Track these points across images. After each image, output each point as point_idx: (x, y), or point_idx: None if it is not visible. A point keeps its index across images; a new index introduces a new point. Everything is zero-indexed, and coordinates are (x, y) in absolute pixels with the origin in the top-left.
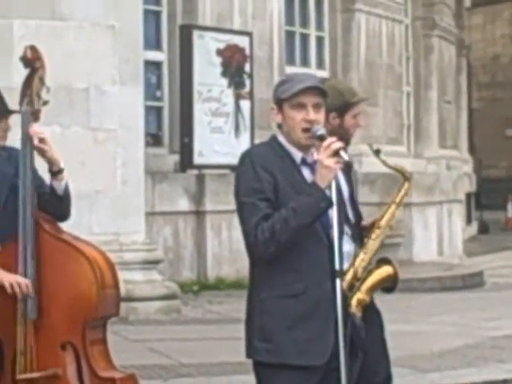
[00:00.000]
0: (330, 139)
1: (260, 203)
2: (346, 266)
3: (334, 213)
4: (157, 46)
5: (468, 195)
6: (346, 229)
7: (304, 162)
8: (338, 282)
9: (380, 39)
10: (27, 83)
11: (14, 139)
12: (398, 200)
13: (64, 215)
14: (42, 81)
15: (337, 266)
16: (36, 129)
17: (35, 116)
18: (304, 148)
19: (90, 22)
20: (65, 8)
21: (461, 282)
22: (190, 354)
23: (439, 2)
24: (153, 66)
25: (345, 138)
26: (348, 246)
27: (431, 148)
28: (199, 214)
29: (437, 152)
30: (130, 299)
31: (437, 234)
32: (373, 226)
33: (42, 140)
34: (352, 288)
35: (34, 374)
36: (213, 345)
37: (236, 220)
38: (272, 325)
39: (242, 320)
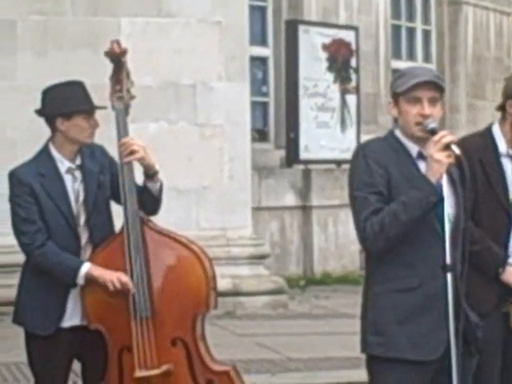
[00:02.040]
0: (441, 133)
1: (371, 197)
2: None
3: (445, 206)
4: (262, 41)
5: None
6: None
7: (420, 155)
8: (448, 276)
9: (488, 32)
10: (115, 78)
11: (110, 135)
12: None
13: (154, 213)
14: (128, 75)
15: (447, 260)
16: (126, 140)
17: (126, 111)
18: (420, 141)
19: (196, 18)
20: (172, 5)
21: None
22: (297, 348)
23: None
24: (258, 62)
25: None
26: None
27: None
28: (305, 209)
29: None
30: (237, 294)
31: None
32: None
33: (132, 152)
34: None
35: (152, 372)
36: (320, 339)
37: (342, 215)
38: (384, 319)
39: (348, 315)
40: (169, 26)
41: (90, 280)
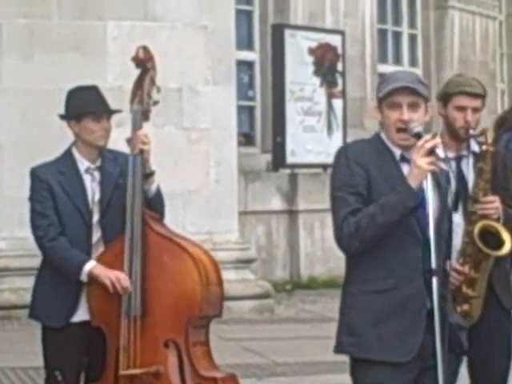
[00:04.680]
0: (424, 138)
1: (350, 197)
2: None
3: (429, 211)
4: (249, 45)
5: None
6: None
7: (403, 158)
8: (434, 280)
9: (474, 36)
10: (138, 83)
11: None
12: None
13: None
14: (152, 81)
15: (433, 265)
16: (142, 133)
17: (145, 116)
18: (402, 146)
19: (182, 22)
20: (158, 9)
21: None
22: (284, 353)
23: None
24: (245, 66)
25: (451, 129)
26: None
27: None
28: (292, 214)
29: None
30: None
31: None
32: None
33: (144, 143)
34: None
35: (137, 371)
36: (306, 344)
37: (329, 219)
38: (358, 319)
39: (335, 319)
40: (155, 29)
41: (93, 278)
